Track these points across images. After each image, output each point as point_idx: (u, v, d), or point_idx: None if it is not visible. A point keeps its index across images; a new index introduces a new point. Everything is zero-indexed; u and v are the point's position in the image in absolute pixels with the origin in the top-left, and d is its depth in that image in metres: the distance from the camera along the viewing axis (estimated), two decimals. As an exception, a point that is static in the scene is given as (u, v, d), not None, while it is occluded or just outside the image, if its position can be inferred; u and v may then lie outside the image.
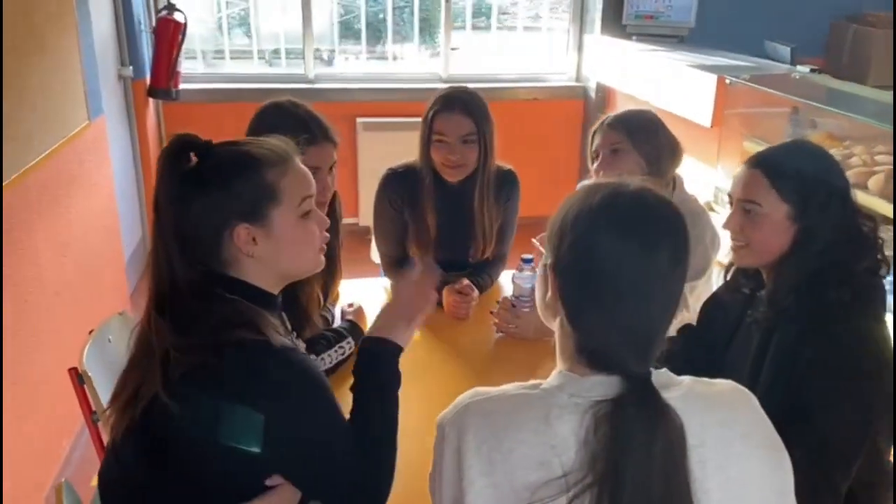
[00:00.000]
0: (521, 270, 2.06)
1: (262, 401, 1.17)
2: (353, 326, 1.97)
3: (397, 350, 1.37)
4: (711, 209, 3.37)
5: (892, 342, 1.49)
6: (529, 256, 2.06)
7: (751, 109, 3.27)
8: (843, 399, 1.41)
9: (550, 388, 1.05)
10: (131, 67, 3.97)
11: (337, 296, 2.16)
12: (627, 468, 0.97)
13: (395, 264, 2.31)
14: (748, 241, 1.54)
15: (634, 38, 4.45)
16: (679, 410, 1.01)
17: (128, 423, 1.23)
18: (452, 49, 5.23)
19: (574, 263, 1.04)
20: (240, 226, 1.25)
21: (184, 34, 4.07)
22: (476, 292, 2.17)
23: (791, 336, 1.47)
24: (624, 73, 4.27)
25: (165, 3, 4.09)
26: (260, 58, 4.93)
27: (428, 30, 5.18)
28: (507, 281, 2.35)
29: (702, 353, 1.75)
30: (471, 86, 4.66)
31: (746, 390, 1.11)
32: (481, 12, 5.19)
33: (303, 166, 1.34)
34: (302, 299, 1.82)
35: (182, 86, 4.37)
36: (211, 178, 1.25)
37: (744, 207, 1.53)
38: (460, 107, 2.17)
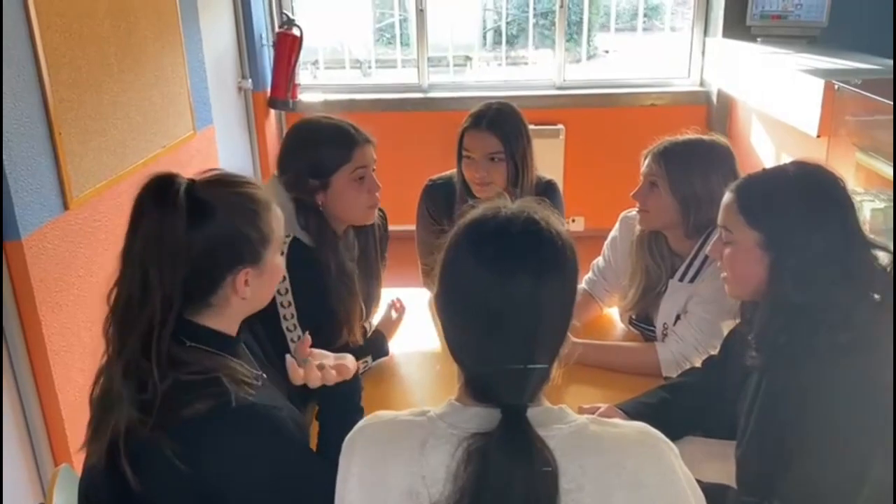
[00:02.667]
0: None
1: (218, 468, 1.16)
2: (376, 340, 1.99)
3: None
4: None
5: None
6: None
7: (865, 118, 2.95)
8: (826, 454, 1.26)
9: (434, 416, 1.03)
10: (250, 80, 4.25)
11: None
12: None
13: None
14: (726, 270, 1.43)
15: (759, 40, 4.14)
16: (559, 450, 0.96)
17: (96, 458, 1.23)
18: (606, 52, 5.19)
19: (444, 292, 1.02)
20: (243, 270, 1.25)
21: (300, 47, 4.30)
22: None
23: (779, 381, 1.34)
24: (741, 79, 4.00)
25: (285, 19, 4.34)
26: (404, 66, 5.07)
27: (578, 34, 5.14)
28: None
29: (722, 387, 1.64)
30: (587, 92, 4.68)
31: (658, 436, 1.02)
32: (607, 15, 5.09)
33: (279, 210, 1.33)
34: (342, 316, 1.84)
35: (304, 95, 4.63)
36: (217, 224, 1.22)
37: (721, 233, 1.43)
38: (487, 124, 2.14)
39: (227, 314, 1.29)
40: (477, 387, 1.01)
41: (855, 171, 3.00)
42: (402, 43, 5.15)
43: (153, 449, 1.13)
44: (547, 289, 0.97)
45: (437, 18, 4.86)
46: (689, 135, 1.90)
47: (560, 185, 4.60)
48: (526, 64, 5.35)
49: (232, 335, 1.32)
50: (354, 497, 1.03)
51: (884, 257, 1.37)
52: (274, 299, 1.72)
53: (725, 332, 1.79)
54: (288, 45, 4.28)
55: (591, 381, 1.88)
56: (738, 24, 4.26)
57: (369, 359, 1.92)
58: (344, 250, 1.86)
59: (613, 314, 2.19)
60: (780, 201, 1.36)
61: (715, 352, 1.81)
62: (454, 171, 2.29)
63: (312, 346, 1.75)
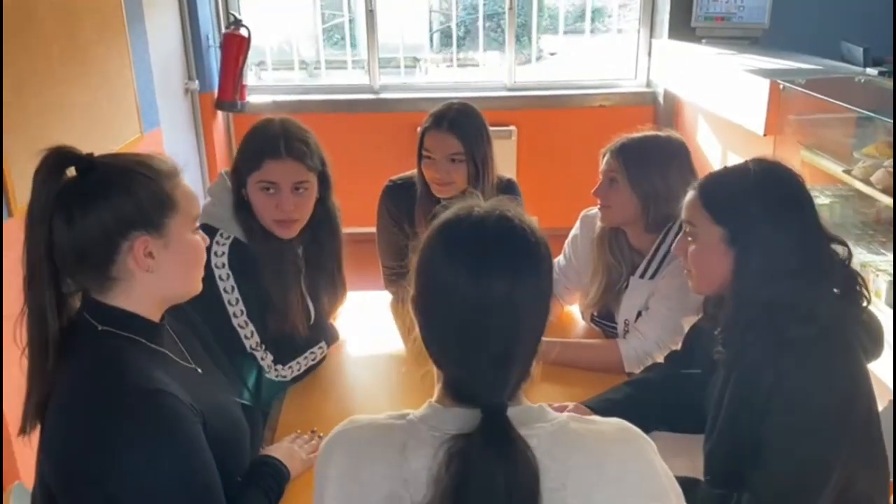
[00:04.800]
0: None
1: (100, 452, 1.15)
2: (326, 327, 2.01)
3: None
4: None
5: (864, 376, 1.36)
6: None
7: (809, 116, 3.04)
8: (795, 443, 1.29)
9: (414, 419, 1.02)
10: (197, 81, 4.16)
11: (336, 314, 2.15)
12: None
13: (396, 277, 2.29)
14: (691, 267, 1.45)
15: (704, 41, 4.24)
16: (540, 450, 0.95)
17: None
18: (551, 54, 5.23)
19: (420, 294, 1.01)
20: (140, 237, 1.21)
21: (247, 48, 4.22)
22: None
23: (748, 376, 1.36)
24: (687, 79, 4.09)
25: (232, 20, 4.27)
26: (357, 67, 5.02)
27: (526, 36, 5.15)
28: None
29: (686, 382, 1.66)
30: (537, 93, 4.72)
31: (636, 432, 1.03)
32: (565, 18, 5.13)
33: (189, 186, 1.31)
34: (281, 308, 1.84)
35: (253, 97, 4.55)
36: (104, 188, 1.20)
37: (686, 230, 1.44)
38: (448, 125, 2.13)
39: (138, 293, 1.24)
40: (457, 388, 1.00)
41: (800, 168, 3.09)
42: (351, 44, 5.10)
43: (49, 429, 1.19)
44: (523, 285, 0.96)
45: (387, 20, 4.84)
46: (646, 131, 1.93)
47: (514, 186, 4.66)
48: (476, 66, 5.36)
49: (151, 320, 1.28)
50: (334, 502, 1.01)
51: (842, 251, 1.41)
52: (221, 298, 1.75)
53: (686, 328, 1.82)
54: (235, 45, 4.20)
55: (553, 379, 1.87)
56: (684, 26, 4.35)
57: (324, 345, 1.94)
58: (280, 245, 1.83)
59: (574, 311, 2.21)
60: (744, 198, 1.38)
61: (676, 347, 1.84)
62: (414, 171, 2.27)
63: (261, 337, 1.80)
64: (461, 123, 2.13)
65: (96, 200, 1.19)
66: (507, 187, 2.28)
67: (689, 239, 1.46)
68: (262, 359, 1.81)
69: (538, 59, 5.24)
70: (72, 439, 1.17)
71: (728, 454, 1.41)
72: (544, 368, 1.90)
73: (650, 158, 1.87)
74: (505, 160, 4.54)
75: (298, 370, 1.87)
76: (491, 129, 4.40)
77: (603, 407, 1.64)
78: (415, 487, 0.95)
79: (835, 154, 2.88)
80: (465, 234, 0.98)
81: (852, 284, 1.39)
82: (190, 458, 1.19)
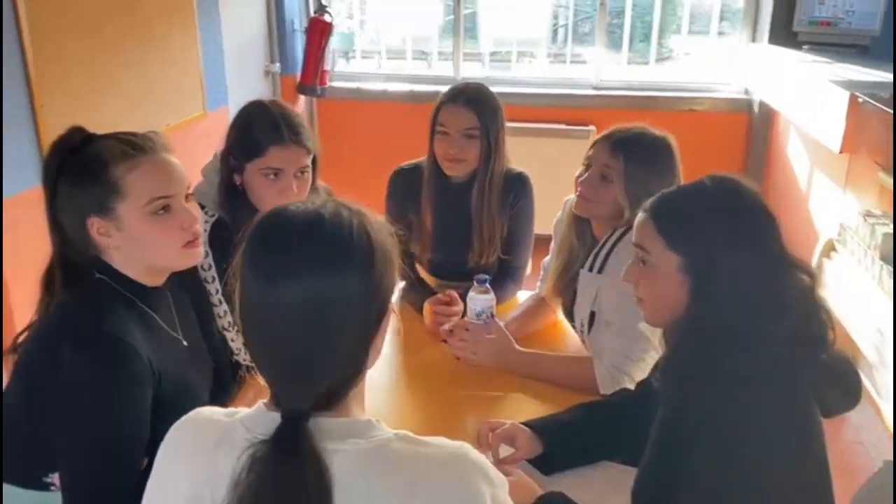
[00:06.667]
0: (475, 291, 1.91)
1: (53, 377, 1.26)
2: None
3: None
4: (832, 248, 2.89)
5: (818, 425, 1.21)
6: (484, 276, 1.91)
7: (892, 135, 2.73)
8: (711, 491, 1.15)
9: (238, 419, 0.98)
10: (278, 64, 4.27)
11: None
12: None
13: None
14: (642, 295, 1.31)
15: (805, 47, 3.91)
16: (347, 467, 0.89)
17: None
18: (686, 54, 5.05)
19: (238, 288, 0.96)
20: (93, 218, 1.32)
21: (330, 33, 4.29)
22: (459, 305, 2.04)
23: (675, 410, 1.23)
24: (780, 87, 3.78)
25: (318, 5, 4.35)
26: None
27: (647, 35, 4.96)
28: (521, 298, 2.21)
29: (646, 413, 1.52)
30: (624, 93, 4.52)
31: (469, 458, 0.94)
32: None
33: (162, 165, 1.36)
34: None
35: (337, 82, 4.63)
36: (74, 171, 1.33)
37: (638, 255, 1.31)
38: (464, 100, 2.10)
39: (118, 260, 1.36)
40: (271, 391, 0.96)
41: (879, 191, 2.79)
42: (469, 37, 5.08)
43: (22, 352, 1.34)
44: (325, 286, 0.89)
45: (507, 12, 4.88)
46: (638, 126, 1.79)
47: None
48: (584, 63, 5.20)
49: (143, 283, 1.39)
50: (151, 492, 1.00)
51: (807, 280, 1.24)
52: (198, 274, 1.77)
53: (647, 333, 1.68)
54: (319, 30, 4.27)
55: (534, 394, 1.79)
56: (785, 30, 4.03)
57: None
58: None
59: (566, 324, 2.07)
60: (701, 222, 1.24)
61: (646, 355, 1.70)
62: (423, 158, 2.24)
63: (234, 318, 1.79)
64: (478, 100, 2.12)
65: (67, 181, 1.33)
66: (517, 181, 2.21)
67: (642, 265, 1.32)
68: (233, 340, 1.81)
69: (658, 59, 4.99)
70: (31, 362, 1.31)
71: (654, 495, 1.29)
72: (521, 381, 1.83)
73: (650, 161, 1.74)
74: (580, 160, 4.39)
75: None
76: (568, 128, 4.36)
77: (546, 428, 1.53)
78: (217, 489, 0.92)
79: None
80: (268, 231, 0.94)
81: (814, 319, 1.22)
82: (120, 407, 1.27)
